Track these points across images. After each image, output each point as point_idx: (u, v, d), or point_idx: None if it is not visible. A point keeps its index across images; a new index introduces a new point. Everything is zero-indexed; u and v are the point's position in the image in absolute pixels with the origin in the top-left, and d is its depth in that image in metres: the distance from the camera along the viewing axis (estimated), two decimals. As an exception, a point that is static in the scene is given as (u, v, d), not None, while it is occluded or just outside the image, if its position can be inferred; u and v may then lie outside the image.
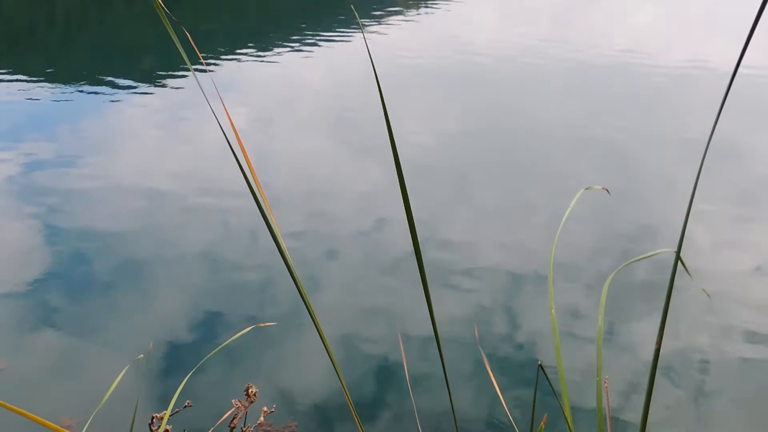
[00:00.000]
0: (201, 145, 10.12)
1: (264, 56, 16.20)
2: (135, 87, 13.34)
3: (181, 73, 14.15)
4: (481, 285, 6.57)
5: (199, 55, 1.70)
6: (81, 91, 12.93)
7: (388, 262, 6.93)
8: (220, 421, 3.25)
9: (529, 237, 7.56)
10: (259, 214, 1.48)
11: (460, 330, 5.83)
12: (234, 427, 2.86)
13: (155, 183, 8.70)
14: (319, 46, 17.22)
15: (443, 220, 7.92)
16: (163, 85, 13.45)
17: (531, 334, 5.82)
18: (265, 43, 17.75)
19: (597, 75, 14.94)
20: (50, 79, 14.00)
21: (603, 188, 1.92)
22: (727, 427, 4.97)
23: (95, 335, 5.70)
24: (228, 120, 1.55)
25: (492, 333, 5.84)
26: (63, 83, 13.54)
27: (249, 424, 3.09)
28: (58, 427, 1.49)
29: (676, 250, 1.48)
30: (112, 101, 12.40)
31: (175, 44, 1.45)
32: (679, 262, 1.50)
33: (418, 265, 1.51)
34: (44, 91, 12.86)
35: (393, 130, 1.47)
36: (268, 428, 4.60)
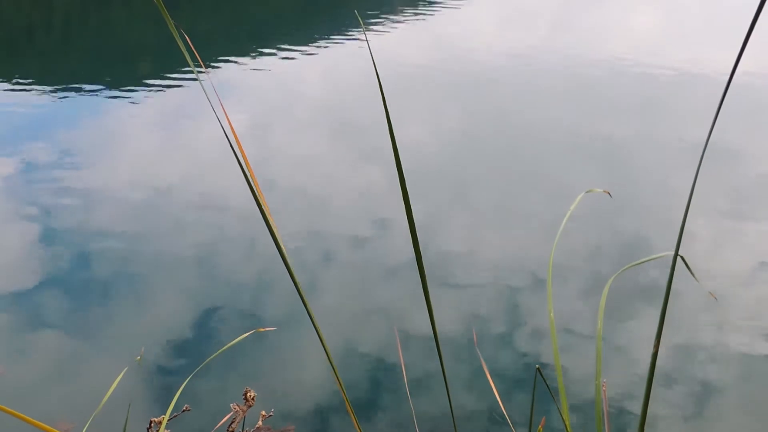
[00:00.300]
0: (200, 148, 10.12)
1: (262, 59, 16.20)
2: (133, 90, 13.33)
3: (179, 76, 14.14)
4: (479, 288, 6.57)
5: (199, 59, 1.70)
6: (78, 94, 12.92)
7: (387, 266, 6.93)
8: (218, 425, 3.25)
9: (528, 240, 7.56)
10: (258, 216, 1.48)
11: (458, 333, 5.83)
12: (232, 431, 2.86)
13: (154, 186, 8.69)
14: (318, 49, 17.23)
15: (442, 223, 7.92)
16: (162, 88, 13.44)
17: (529, 337, 5.82)
18: (263, 47, 17.75)
19: (595, 78, 14.96)
20: (48, 81, 14.00)
21: (604, 191, 1.92)
22: (726, 429, 4.97)
23: (93, 339, 5.70)
24: (228, 123, 1.55)
25: (490, 336, 5.83)
26: (60, 86, 13.53)
27: (247, 428, 3.09)
28: (56, 431, 1.49)
29: (678, 253, 1.48)
30: (110, 104, 12.39)
31: (172, 47, 1.45)
32: (685, 266, 1.50)
33: (419, 268, 1.51)
34: (41, 93, 12.85)
35: (394, 133, 1.47)
36: (267, 432, 4.60)
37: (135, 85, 13.77)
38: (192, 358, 5.42)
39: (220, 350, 2.44)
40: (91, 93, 13.10)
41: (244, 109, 11.93)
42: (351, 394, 5.08)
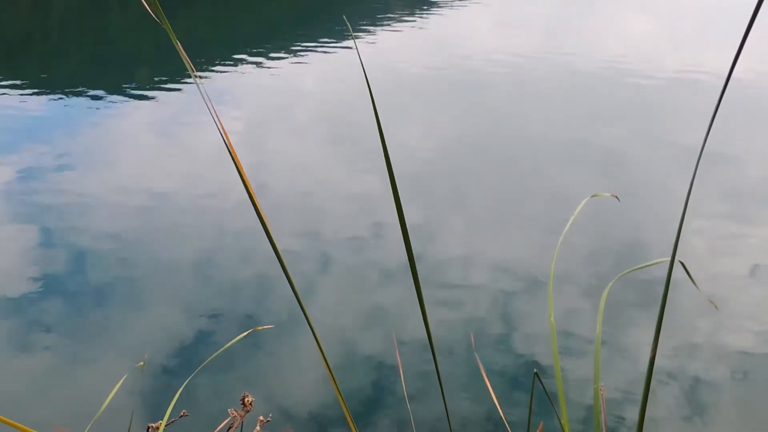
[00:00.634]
0: (197, 152, 10.11)
1: (259, 65, 16.21)
2: (130, 95, 13.33)
3: (176, 81, 14.14)
4: (476, 292, 6.56)
5: (191, 64, 1.70)
6: (76, 99, 12.92)
7: (383, 270, 6.93)
8: (216, 430, 3.24)
9: (525, 244, 7.56)
10: (256, 220, 1.47)
11: (456, 337, 5.83)
12: (230, 437, 2.84)
13: (151, 191, 8.68)
14: (314, 54, 17.23)
15: (439, 227, 7.92)
16: (159, 94, 13.44)
17: (527, 342, 5.82)
18: (259, 52, 17.76)
19: (592, 83, 14.98)
20: (45, 87, 13.99)
21: (612, 195, 1.92)
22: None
23: (91, 344, 5.68)
24: (222, 130, 1.55)
25: (488, 340, 5.83)
26: (58, 91, 13.53)
27: (245, 434, 3.08)
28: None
29: (677, 259, 1.48)
30: (108, 109, 12.39)
31: (169, 53, 1.45)
32: (683, 274, 1.50)
33: (412, 271, 1.51)
34: (39, 98, 12.85)
35: (387, 138, 1.47)
36: (264, 437, 4.59)
37: (132, 90, 13.77)
38: (189, 364, 5.41)
39: (218, 352, 2.43)
40: (88, 98, 13.09)
41: (242, 113, 11.94)
42: (349, 398, 5.07)
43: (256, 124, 11.57)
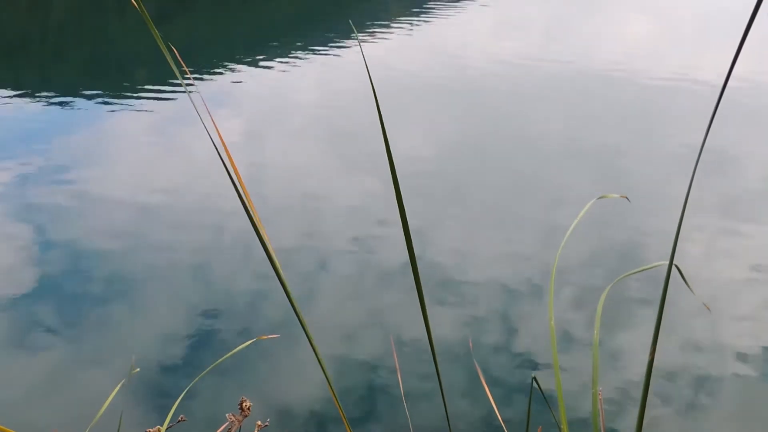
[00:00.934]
0: (194, 158, 10.10)
1: (259, 66, 16.21)
2: (127, 100, 13.32)
3: (174, 86, 14.14)
4: (475, 296, 6.56)
5: (184, 72, 1.69)
6: (73, 104, 12.91)
7: (382, 274, 6.92)
8: (213, 434, 3.23)
9: (525, 247, 7.55)
10: (253, 226, 1.47)
11: (454, 342, 5.82)
12: (228, 441, 2.84)
13: (147, 197, 8.67)
14: (314, 57, 17.23)
15: (439, 230, 7.91)
16: (156, 99, 13.43)
17: (526, 346, 5.81)
18: (259, 53, 17.75)
19: (591, 85, 14.98)
20: (44, 87, 13.98)
21: (622, 196, 1.91)
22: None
23: (87, 350, 5.67)
24: (218, 135, 1.54)
25: (487, 344, 5.82)
26: (57, 92, 13.52)
27: (243, 438, 3.07)
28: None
29: (673, 263, 1.47)
30: (107, 110, 12.38)
31: (166, 57, 1.44)
32: (680, 276, 1.49)
33: (414, 275, 1.50)
34: (38, 99, 12.84)
35: (388, 141, 1.46)
36: (263, 441, 4.58)
37: (130, 93, 13.76)
38: (187, 368, 5.40)
39: (222, 358, 2.42)
40: (86, 101, 13.08)
41: (242, 114, 11.93)
42: (346, 402, 5.06)
43: (256, 124, 11.56)
